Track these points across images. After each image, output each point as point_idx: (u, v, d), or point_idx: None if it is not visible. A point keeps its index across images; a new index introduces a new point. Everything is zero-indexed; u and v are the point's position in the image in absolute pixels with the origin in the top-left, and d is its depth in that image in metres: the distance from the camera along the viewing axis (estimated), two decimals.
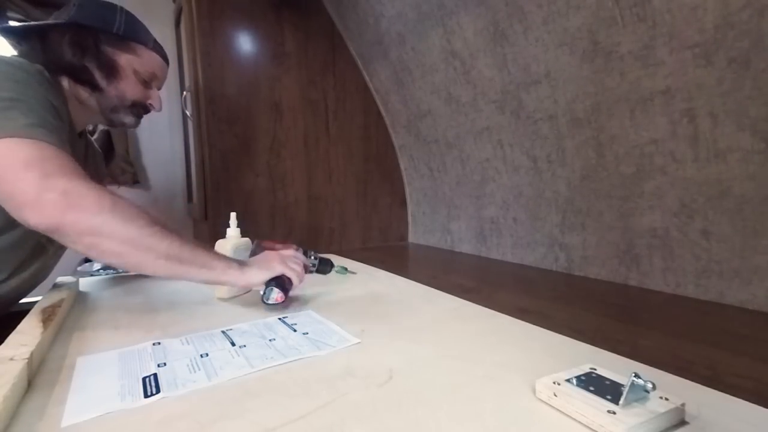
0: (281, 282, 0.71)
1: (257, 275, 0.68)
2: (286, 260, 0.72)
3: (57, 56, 0.72)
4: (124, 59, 0.77)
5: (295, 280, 0.72)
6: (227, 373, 0.47)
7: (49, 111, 0.63)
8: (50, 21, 0.75)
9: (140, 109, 0.82)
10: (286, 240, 0.86)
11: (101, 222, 0.55)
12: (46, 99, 0.63)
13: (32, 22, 0.77)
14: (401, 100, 1.55)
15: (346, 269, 1.03)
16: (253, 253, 0.78)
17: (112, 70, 0.76)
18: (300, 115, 1.50)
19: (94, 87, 0.75)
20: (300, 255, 0.79)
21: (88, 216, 0.55)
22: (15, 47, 0.75)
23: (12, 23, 0.73)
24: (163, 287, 0.90)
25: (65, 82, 0.74)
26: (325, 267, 0.84)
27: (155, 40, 0.82)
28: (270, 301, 0.70)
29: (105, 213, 0.55)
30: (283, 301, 0.71)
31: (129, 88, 0.78)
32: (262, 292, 0.71)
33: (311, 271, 0.82)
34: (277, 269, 0.70)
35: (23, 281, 0.76)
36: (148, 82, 0.81)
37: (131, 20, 0.78)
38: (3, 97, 0.57)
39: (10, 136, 0.55)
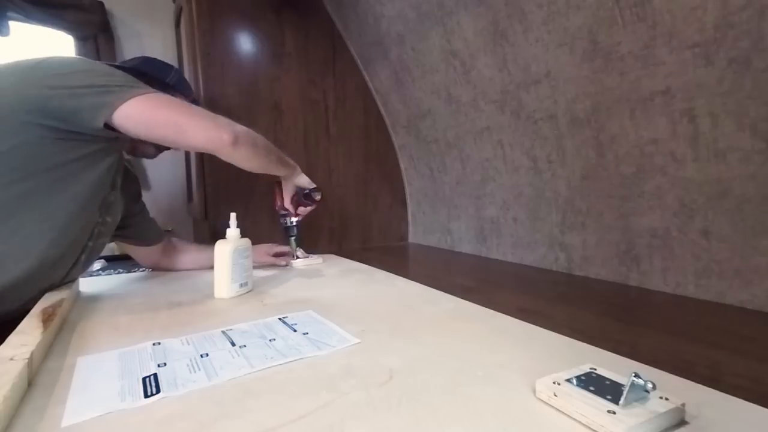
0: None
1: (303, 180, 1.04)
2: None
3: None
4: None
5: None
6: (227, 373, 0.47)
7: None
8: (118, 63, 0.93)
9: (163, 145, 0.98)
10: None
11: (254, 137, 0.84)
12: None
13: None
14: (401, 100, 1.55)
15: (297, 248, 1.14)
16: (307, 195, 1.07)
17: None
18: (300, 116, 1.50)
19: None
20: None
21: (247, 134, 0.82)
22: None
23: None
24: (163, 287, 0.90)
25: None
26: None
27: (195, 96, 1.01)
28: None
29: (250, 132, 0.84)
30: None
31: None
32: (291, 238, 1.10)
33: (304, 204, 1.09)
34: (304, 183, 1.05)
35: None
36: None
37: (181, 77, 1.01)
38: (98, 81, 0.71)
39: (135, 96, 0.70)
